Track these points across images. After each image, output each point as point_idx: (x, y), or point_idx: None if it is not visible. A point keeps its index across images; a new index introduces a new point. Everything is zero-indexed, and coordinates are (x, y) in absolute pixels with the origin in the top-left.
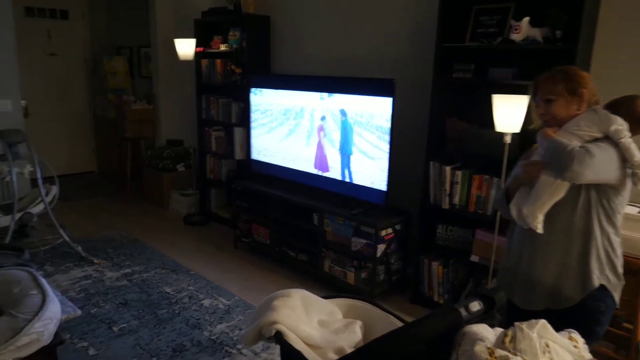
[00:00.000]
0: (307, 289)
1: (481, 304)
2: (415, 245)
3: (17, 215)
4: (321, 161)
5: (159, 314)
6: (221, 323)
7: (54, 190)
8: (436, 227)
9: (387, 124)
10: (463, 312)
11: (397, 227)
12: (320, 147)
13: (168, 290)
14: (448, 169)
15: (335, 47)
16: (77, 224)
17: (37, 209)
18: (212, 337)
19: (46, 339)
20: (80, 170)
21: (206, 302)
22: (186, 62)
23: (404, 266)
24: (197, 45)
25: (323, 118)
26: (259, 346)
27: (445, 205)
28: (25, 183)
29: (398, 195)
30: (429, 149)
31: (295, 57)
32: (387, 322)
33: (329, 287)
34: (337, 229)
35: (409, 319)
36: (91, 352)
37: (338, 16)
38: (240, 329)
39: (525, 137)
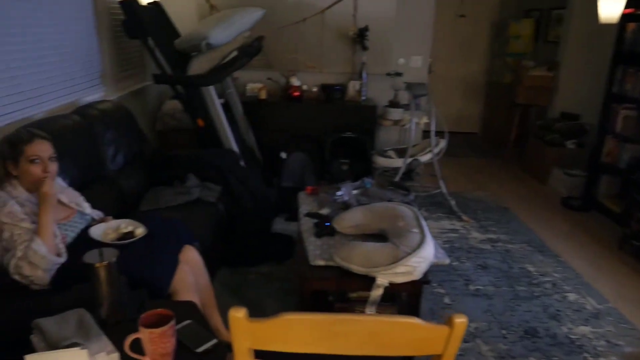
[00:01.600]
0: None
1: None
2: None
3: (408, 160)
4: None
5: (516, 289)
6: (585, 325)
7: (442, 143)
8: None
9: None
10: None
11: None
12: None
13: (530, 268)
14: None
15: None
16: (454, 179)
17: (424, 157)
18: (571, 336)
19: (417, 274)
20: (465, 130)
21: (571, 297)
22: (605, 27)
23: None
24: (627, 6)
25: None
26: None
27: None
28: (419, 133)
29: None
30: None
31: None
32: None
33: None
34: None
35: None
36: (446, 300)
37: None
38: (609, 341)
39: None
